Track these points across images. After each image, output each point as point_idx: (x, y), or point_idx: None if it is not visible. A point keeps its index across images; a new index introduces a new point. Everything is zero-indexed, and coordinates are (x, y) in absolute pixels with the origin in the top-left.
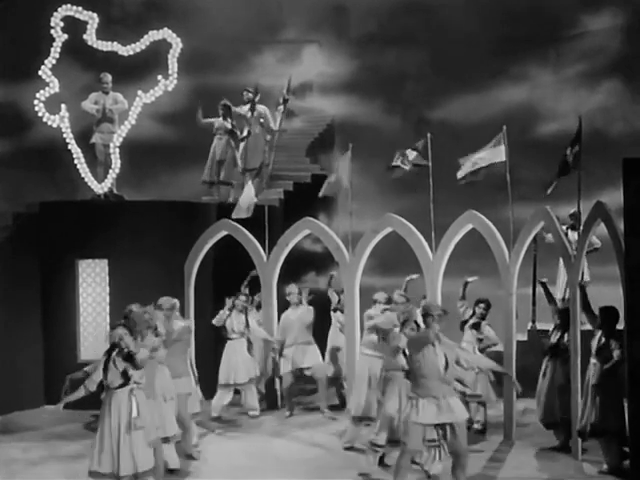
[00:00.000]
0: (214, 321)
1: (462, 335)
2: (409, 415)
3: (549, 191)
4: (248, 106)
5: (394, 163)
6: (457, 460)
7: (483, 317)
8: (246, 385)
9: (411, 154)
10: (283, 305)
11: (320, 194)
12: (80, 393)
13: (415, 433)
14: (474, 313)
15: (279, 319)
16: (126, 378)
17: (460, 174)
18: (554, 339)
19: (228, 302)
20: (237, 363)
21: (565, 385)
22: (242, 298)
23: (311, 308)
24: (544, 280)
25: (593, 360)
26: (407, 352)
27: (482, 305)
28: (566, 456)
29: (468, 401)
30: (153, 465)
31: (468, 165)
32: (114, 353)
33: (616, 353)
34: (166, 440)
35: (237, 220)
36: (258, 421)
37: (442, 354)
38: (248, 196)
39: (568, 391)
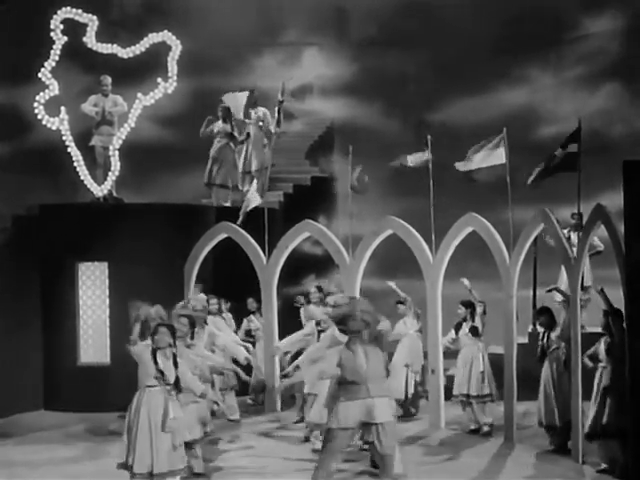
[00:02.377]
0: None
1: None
2: (334, 420)
3: (530, 180)
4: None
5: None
6: (383, 460)
7: (464, 319)
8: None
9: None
10: (284, 308)
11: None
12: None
13: (339, 435)
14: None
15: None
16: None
17: (463, 167)
18: (543, 340)
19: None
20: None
21: (564, 387)
22: (213, 302)
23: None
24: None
25: (602, 363)
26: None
27: (459, 306)
28: (566, 458)
29: (477, 402)
30: (177, 467)
31: (475, 161)
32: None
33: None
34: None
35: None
36: (258, 421)
37: (363, 353)
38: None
39: (564, 393)
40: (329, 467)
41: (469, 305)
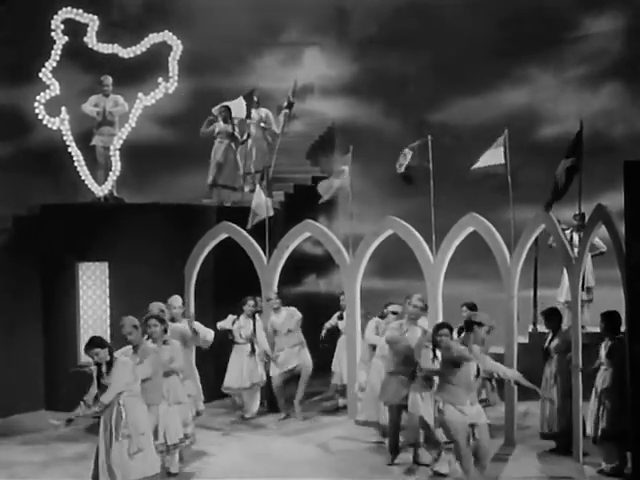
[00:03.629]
0: (219, 325)
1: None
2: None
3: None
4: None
5: (401, 170)
6: (477, 462)
7: None
8: (248, 389)
9: (408, 154)
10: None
11: (325, 198)
12: (81, 410)
13: (456, 427)
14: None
15: None
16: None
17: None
18: (546, 343)
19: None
20: (242, 368)
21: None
22: (251, 303)
23: (292, 309)
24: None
25: (602, 366)
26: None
27: (463, 308)
28: (567, 458)
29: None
30: (143, 475)
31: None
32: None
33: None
34: (174, 446)
35: (238, 223)
36: (259, 422)
37: (475, 363)
38: (260, 200)
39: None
40: (470, 462)
41: (472, 307)
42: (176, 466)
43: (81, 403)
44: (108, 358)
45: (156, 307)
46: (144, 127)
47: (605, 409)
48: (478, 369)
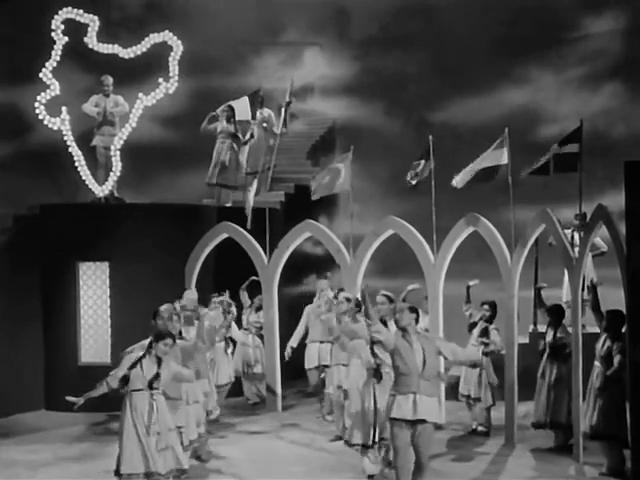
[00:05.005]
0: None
1: (469, 337)
2: (389, 412)
3: (524, 173)
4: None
5: (412, 181)
6: (417, 462)
7: (489, 319)
8: (222, 387)
9: (419, 166)
10: (284, 308)
11: (314, 197)
12: (103, 389)
13: (399, 430)
14: (482, 316)
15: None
16: (149, 386)
17: (457, 181)
18: (549, 338)
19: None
20: (217, 365)
21: (561, 385)
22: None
23: None
24: (543, 285)
25: (597, 363)
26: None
27: (485, 307)
28: (567, 458)
29: (471, 404)
30: (171, 468)
31: (467, 171)
32: (147, 356)
33: (617, 359)
34: (190, 443)
35: (238, 222)
36: (259, 422)
37: (420, 349)
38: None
39: (563, 392)
40: (405, 465)
41: (493, 306)
42: (187, 463)
43: (104, 382)
44: (167, 353)
45: (191, 302)
46: (145, 127)
47: (597, 408)
48: (424, 353)
